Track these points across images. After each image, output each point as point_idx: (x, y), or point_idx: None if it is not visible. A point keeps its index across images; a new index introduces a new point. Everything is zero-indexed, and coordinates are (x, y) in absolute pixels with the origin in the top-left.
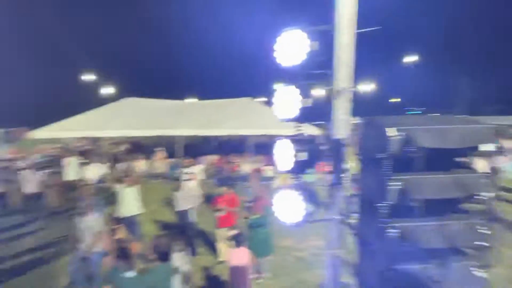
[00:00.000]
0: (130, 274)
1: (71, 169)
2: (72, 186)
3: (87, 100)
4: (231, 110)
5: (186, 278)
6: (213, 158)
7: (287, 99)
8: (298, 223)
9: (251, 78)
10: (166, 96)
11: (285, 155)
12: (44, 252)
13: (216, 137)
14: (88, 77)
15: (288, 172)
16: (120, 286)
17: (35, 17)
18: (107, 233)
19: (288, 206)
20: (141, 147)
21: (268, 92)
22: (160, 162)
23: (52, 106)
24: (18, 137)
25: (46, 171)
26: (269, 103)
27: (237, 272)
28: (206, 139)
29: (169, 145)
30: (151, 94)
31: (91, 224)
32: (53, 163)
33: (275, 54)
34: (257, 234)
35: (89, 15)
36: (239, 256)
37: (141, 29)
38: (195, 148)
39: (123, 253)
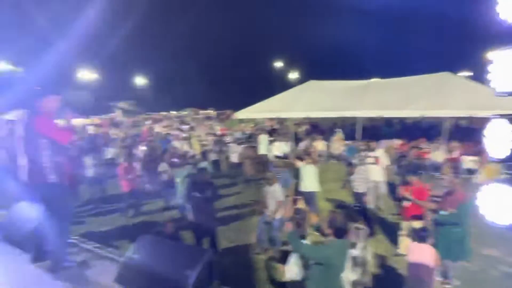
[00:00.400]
0: (305, 241)
1: (262, 145)
2: (263, 159)
3: (278, 85)
4: (423, 88)
5: (360, 261)
6: (395, 142)
7: None
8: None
9: (452, 48)
10: (351, 77)
11: (500, 139)
12: (240, 210)
13: (400, 119)
14: (279, 64)
15: (502, 162)
16: (297, 250)
17: (238, 18)
18: (289, 202)
19: (499, 204)
20: (319, 128)
21: (475, 65)
22: (337, 144)
23: (251, 91)
24: (226, 117)
25: (245, 145)
26: (476, 78)
27: (418, 269)
28: (388, 121)
29: (347, 127)
30: (335, 76)
31: (274, 193)
32: (249, 139)
33: (497, 9)
34: (448, 233)
35: (278, 9)
36: (422, 253)
37: (323, 15)
38: (374, 130)
39: (300, 221)
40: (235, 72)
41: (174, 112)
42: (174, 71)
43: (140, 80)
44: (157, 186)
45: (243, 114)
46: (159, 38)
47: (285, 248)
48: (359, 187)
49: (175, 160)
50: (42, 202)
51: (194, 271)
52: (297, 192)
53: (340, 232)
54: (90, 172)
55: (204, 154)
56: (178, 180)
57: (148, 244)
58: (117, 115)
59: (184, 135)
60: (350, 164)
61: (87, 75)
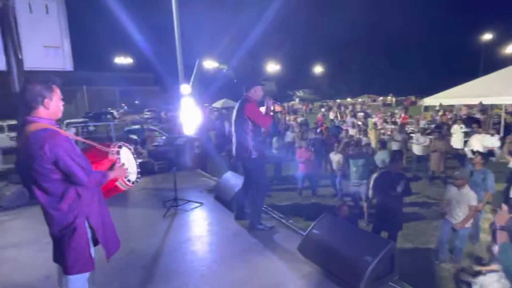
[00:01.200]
0: None
1: (456, 137)
2: (455, 154)
3: (484, 64)
4: None
5: None
6: None
7: None
8: None
9: None
10: None
11: None
12: (420, 210)
13: None
14: (487, 37)
15: None
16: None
17: None
18: (504, 208)
19: None
20: None
21: None
22: None
23: (442, 74)
24: (409, 103)
25: (432, 136)
26: None
27: None
28: None
29: None
30: None
31: (463, 197)
32: (438, 129)
33: None
34: None
35: None
36: None
37: None
38: None
39: None
40: (421, 54)
41: (350, 99)
42: (351, 58)
43: (317, 69)
44: (329, 171)
45: (431, 100)
46: (336, 26)
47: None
48: None
49: (349, 148)
50: (245, 173)
51: (375, 258)
52: (508, 200)
53: None
54: (274, 152)
55: (382, 144)
56: (353, 168)
57: (330, 222)
58: (295, 102)
59: (359, 122)
60: None
61: (273, 67)
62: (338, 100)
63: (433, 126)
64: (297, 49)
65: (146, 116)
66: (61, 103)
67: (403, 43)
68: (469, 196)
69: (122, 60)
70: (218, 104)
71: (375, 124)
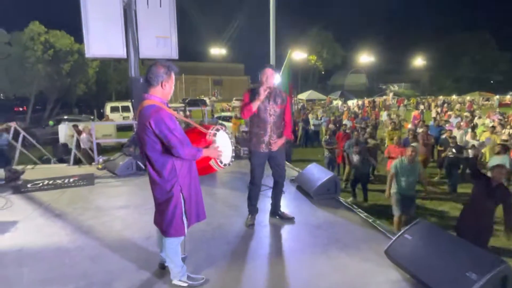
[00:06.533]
0: None
1: None
2: None
3: None
4: None
5: None
6: None
7: None
8: None
9: None
10: None
11: None
12: None
13: None
14: None
15: None
16: None
17: None
18: None
19: None
20: None
21: None
22: None
23: None
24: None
25: None
26: None
27: None
28: None
29: None
30: None
31: None
32: None
33: None
34: None
35: None
36: None
37: None
38: None
39: None
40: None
41: (455, 96)
42: (461, 49)
43: (417, 61)
44: None
45: None
46: (443, 10)
47: None
48: None
49: (451, 151)
50: None
51: (482, 277)
52: None
53: None
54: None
55: (504, 148)
56: None
57: (426, 229)
58: (388, 98)
59: (464, 123)
60: None
61: (365, 58)
62: (441, 97)
63: None
64: (394, 38)
65: (234, 104)
66: (172, 88)
67: None
68: None
69: (217, 51)
70: (303, 95)
71: (492, 127)
